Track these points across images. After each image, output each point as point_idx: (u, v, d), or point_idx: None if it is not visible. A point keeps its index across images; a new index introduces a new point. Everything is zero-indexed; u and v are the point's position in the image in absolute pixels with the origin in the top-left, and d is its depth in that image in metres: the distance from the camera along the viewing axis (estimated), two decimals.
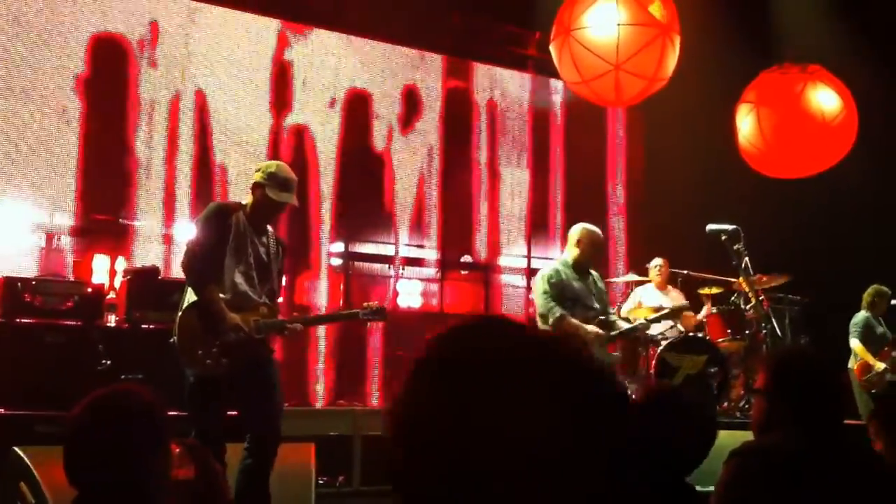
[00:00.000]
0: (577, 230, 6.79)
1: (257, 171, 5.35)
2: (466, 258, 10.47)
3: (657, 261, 8.89)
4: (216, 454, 5.02)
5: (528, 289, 10.60)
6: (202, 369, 5.04)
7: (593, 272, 6.85)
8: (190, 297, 5.15)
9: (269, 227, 5.43)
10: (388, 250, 9.77)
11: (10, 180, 7.78)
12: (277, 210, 5.39)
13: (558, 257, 6.79)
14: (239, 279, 5.17)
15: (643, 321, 7.17)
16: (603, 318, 6.71)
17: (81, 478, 2.24)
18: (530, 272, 10.64)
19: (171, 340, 5.17)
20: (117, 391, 2.40)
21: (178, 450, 2.52)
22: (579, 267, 6.69)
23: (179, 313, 5.17)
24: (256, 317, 5.17)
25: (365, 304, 5.66)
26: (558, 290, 6.56)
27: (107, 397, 2.34)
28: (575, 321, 6.48)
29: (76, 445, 2.26)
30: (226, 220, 5.20)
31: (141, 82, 8.50)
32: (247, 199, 5.35)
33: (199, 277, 5.12)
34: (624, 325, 6.93)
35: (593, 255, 6.78)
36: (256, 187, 5.27)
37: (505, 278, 10.51)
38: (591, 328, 6.51)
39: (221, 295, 5.10)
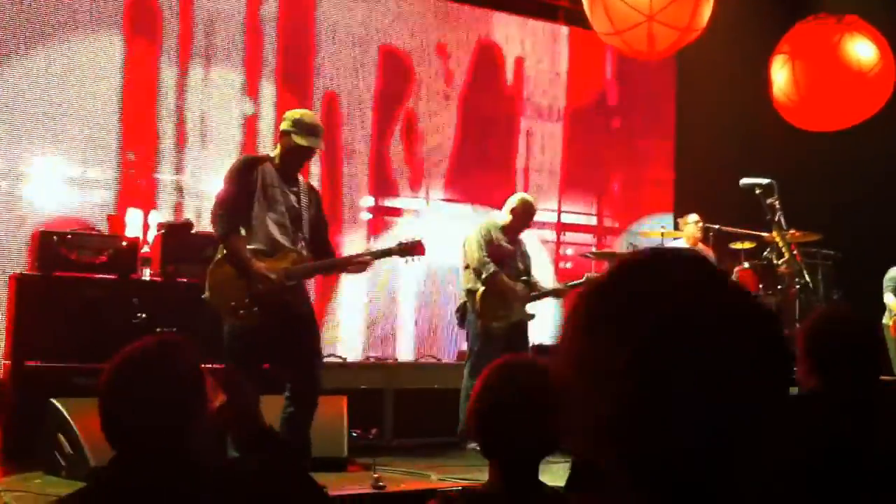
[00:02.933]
0: (514, 199, 7.30)
1: (284, 119, 5.38)
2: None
3: (694, 216, 8.80)
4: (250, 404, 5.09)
5: (559, 243, 10.58)
6: (237, 321, 5.07)
7: (521, 238, 7.38)
8: (222, 249, 5.19)
9: (301, 177, 5.45)
10: (420, 205, 9.76)
11: (44, 135, 7.82)
12: (305, 156, 5.42)
13: (491, 218, 7.44)
14: (273, 228, 5.19)
15: (563, 286, 7.56)
16: (525, 278, 7.23)
17: (119, 432, 2.17)
18: (561, 227, 10.61)
19: (203, 296, 5.21)
20: (154, 342, 2.35)
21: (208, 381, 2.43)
22: (509, 231, 7.19)
23: (210, 266, 5.22)
24: (286, 264, 5.18)
25: (400, 240, 5.63)
26: (490, 247, 7.01)
27: (144, 349, 2.27)
28: (506, 279, 7.00)
29: (114, 398, 2.19)
30: (251, 172, 5.23)
31: (176, 35, 8.49)
32: (275, 150, 5.39)
33: (224, 229, 5.15)
34: (543, 288, 7.40)
35: (524, 224, 7.30)
36: (283, 135, 5.32)
37: (537, 233, 10.48)
38: (521, 287, 7.10)
39: (257, 245, 5.13)
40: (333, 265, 5.63)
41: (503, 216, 7.23)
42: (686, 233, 8.79)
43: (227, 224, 5.14)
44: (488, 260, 6.92)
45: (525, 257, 7.33)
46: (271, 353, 5.24)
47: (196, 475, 2.18)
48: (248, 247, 5.13)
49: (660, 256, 1.08)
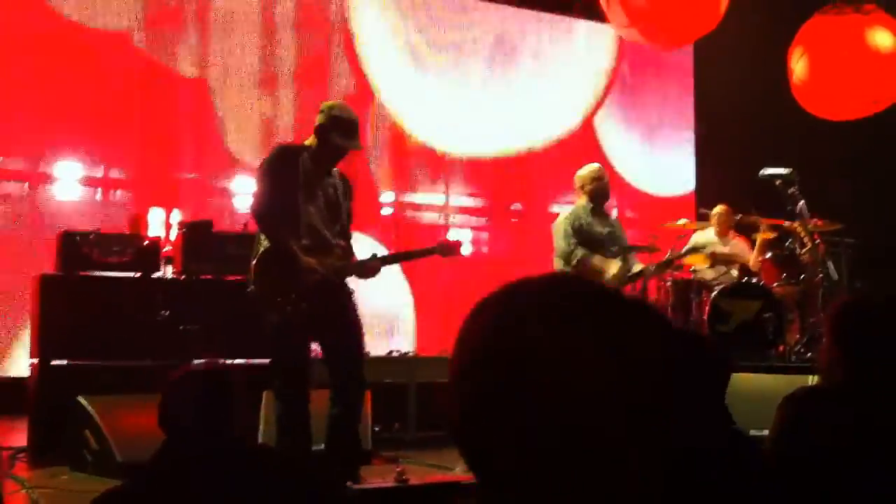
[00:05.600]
0: (578, 175, 6.82)
1: (320, 112, 5.16)
2: (517, 206, 10.45)
3: (723, 207, 8.73)
4: (301, 400, 5.00)
5: None
6: (283, 316, 4.93)
7: (612, 215, 6.85)
8: (263, 244, 5.02)
9: (335, 168, 5.27)
10: (438, 199, 9.77)
11: (66, 135, 7.89)
12: (341, 155, 5.20)
13: (578, 201, 6.81)
14: (315, 221, 5.05)
15: (650, 267, 6.97)
16: (622, 257, 6.69)
17: (177, 426, 2.57)
18: None
19: (248, 290, 5.06)
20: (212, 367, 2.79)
21: None
22: (596, 210, 6.73)
23: (253, 261, 5.04)
24: (331, 259, 5.06)
25: (440, 240, 5.61)
26: (579, 235, 6.59)
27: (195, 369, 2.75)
28: (596, 261, 6.52)
29: (174, 409, 2.59)
30: (291, 163, 5.05)
31: (196, 35, 8.54)
32: (309, 140, 5.18)
33: (268, 223, 5.00)
34: (640, 267, 6.87)
35: (603, 195, 6.78)
36: (320, 130, 5.11)
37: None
38: (616, 268, 6.55)
39: (301, 239, 4.98)
40: (380, 262, 5.35)
41: (581, 198, 6.78)
42: (716, 223, 8.70)
43: (271, 218, 4.98)
44: (574, 246, 6.53)
45: (620, 238, 6.85)
46: (317, 343, 5.14)
47: (238, 452, 2.56)
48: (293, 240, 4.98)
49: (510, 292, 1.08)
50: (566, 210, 6.86)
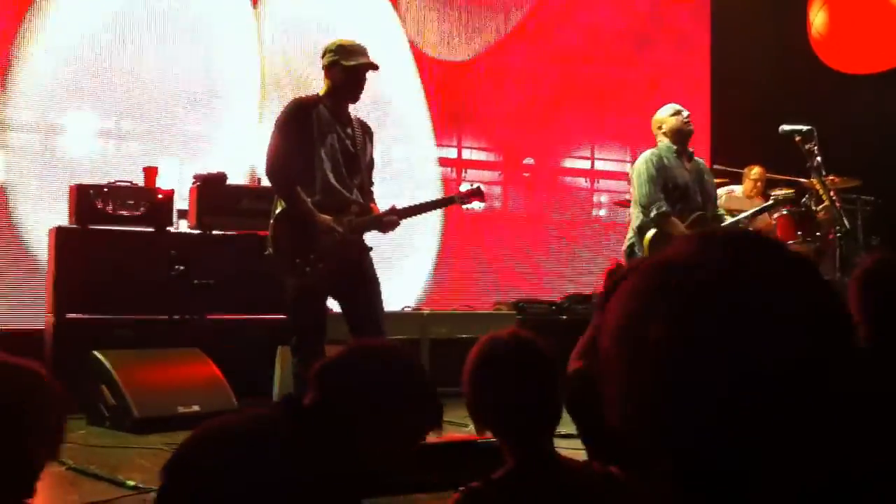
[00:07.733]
0: (655, 118, 6.24)
1: (324, 55, 5.06)
2: (529, 160, 10.38)
3: (757, 169, 8.71)
4: (318, 356, 5.01)
5: (593, 190, 10.51)
6: (302, 278, 4.87)
7: (699, 159, 6.28)
8: (280, 205, 4.96)
9: (352, 114, 5.15)
10: (450, 153, 9.72)
11: (78, 89, 7.84)
12: (358, 79, 5.03)
13: (656, 146, 6.13)
14: (329, 177, 4.95)
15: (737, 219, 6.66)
16: (700, 214, 6.08)
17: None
18: (594, 174, 10.54)
19: (266, 252, 5.00)
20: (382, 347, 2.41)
21: None
22: (680, 152, 6.10)
23: (271, 222, 4.99)
24: (349, 216, 4.98)
25: (461, 188, 5.51)
26: (663, 178, 5.97)
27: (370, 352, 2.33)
28: (677, 222, 5.88)
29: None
30: (306, 117, 4.95)
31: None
32: (323, 89, 5.07)
33: (282, 182, 4.92)
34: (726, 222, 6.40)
35: (685, 130, 6.12)
36: (329, 69, 5.01)
37: (568, 181, 10.42)
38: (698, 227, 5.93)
39: (317, 196, 4.90)
40: (398, 214, 5.20)
41: (661, 142, 6.12)
42: (746, 185, 8.68)
43: (285, 177, 4.90)
44: (660, 196, 5.89)
45: (704, 185, 6.20)
46: (336, 300, 5.09)
47: None
48: (308, 199, 4.90)
49: (708, 235, 1.06)
50: (647, 152, 6.12)
